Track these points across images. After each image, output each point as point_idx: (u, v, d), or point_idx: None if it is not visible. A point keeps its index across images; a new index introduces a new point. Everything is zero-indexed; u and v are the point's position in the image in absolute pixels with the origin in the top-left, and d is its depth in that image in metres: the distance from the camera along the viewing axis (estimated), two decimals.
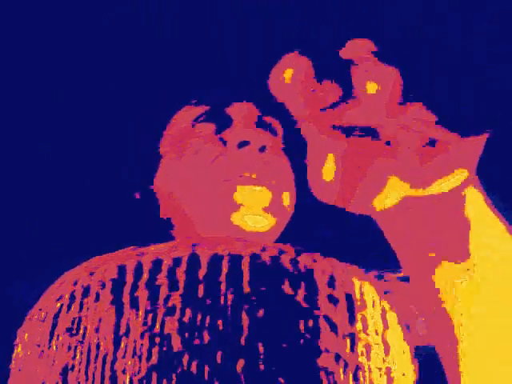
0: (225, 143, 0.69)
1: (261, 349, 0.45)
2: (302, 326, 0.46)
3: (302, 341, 0.46)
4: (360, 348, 0.47)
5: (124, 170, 0.73)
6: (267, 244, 0.53)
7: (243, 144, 0.68)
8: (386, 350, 0.49)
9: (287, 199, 0.70)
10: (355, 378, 0.46)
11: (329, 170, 0.44)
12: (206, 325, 0.46)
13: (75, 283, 0.51)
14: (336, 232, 0.90)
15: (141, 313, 0.47)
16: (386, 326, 0.50)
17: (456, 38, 0.76)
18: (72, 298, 0.50)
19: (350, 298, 0.49)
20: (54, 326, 0.49)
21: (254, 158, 0.67)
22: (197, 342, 0.45)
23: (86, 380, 0.45)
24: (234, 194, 0.65)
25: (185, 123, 0.72)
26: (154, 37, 0.77)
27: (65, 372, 0.46)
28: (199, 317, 0.46)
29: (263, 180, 0.67)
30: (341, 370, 0.45)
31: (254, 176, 0.67)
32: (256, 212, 0.65)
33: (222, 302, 0.47)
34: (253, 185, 0.66)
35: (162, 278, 0.48)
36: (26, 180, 0.82)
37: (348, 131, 0.46)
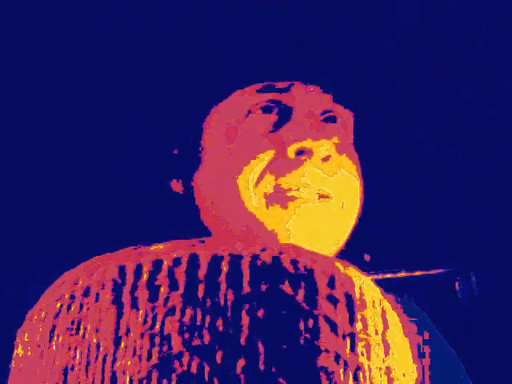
0: (280, 146, 0.64)
1: (261, 349, 0.45)
2: (302, 326, 0.46)
3: (301, 341, 0.46)
4: (360, 348, 0.47)
5: (124, 169, 0.73)
6: (267, 244, 0.53)
7: (305, 151, 0.63)
8: (386, 350, 0.49)
9: (354, 217, 0.68)
10: (355, 378, 0.46)
11: None
12: (206, 325, 0.45)
13: (75, 283, 0.51)
14: None
15: (141, 313, 0.47)
16: (385, 326, 0.50)
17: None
18: (72, 298, 0.50)
19: (349, 298, 0.49)
20: (54, 326, 0.49)
21: (318, 168, 0.63)
22: (197, 342, 0.45)
23: (86, 380, 0.45)
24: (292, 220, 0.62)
25: (236, 111, 0.67)
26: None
27: (65, 372, 0.46)
28: (199, 317, 0.46)
29: (334, 197, 0.64)
30: (341, 370, 0.45)
31: (316, 192, 0.63)
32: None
33: (221, 302, 0.47)
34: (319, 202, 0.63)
35: (162, 278, 0.48)
36: (25, 180, 0.82)
37: None
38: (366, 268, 0.56)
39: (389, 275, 1.01)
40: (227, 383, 0.43)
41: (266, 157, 0.64)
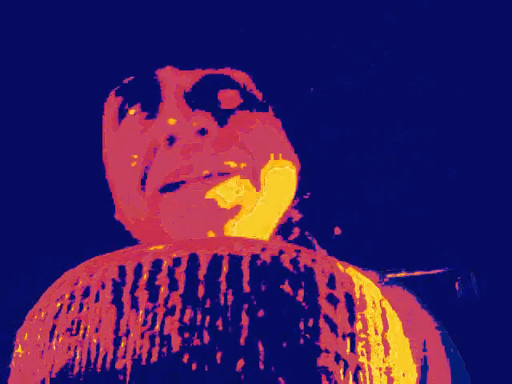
0: (153, 140, 0.60)
1: (261, 349, 0.45)
2: (302, 326, 0.46)
3: (301, 341, 0.46)
4: (360, 348, 0.47)
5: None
6: (267, 244, 0.53)
7: (172, 140, 0.59)
8: (386, 350, 0.49)
9: (283, 173, 0.62)
10: (355, 378, 0.46)
11: None
12: (206, 325, 0.45)
13: (75, 283, 0.51)
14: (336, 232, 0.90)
15: (141, 313, 0.47)
16: (386, 326, 0.50)
17: None
18: (72, 297, 0.50)
19: (349, 298, 0.49)
20: (54, 325, 0.49)
21: (192, 150, 0.58)
22: (197, 342, 0.45)
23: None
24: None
25: (112, 114, 0.63)
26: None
27: (65, 372, 0.46)
28: (199, 317, 0.46)
29: (220, 164, 0.59)
30: (341, 370, 0.45)
31: (205, 172, 0.58)
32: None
33: (222, 302, 0.47)
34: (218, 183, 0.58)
35: (161, 278, 0.48)
36: (25, 179, 0.82)
37: None
38: (365, 268, 0.56)
39: (389, 275, 1.01)
40: (227, 383, 0.43)
41: (146, 156, 0.60)
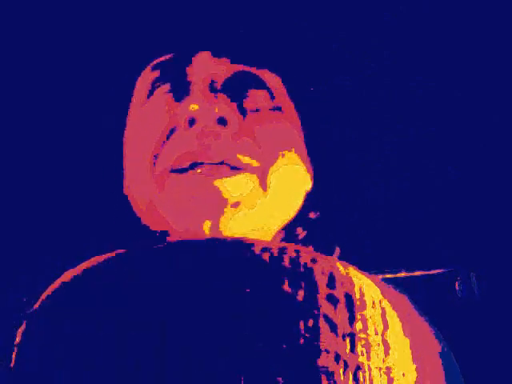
0: (175, 120, 0.60)
1: (261, 349, 0.45)
2: (301, 326, 0.46)
3: (301, 341, 0.46)
4: (360, 348, 0.47)
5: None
6: (267, 244, 0.53)
7: (192, 122, 0.59)
8: (386, 350, 0.49)
9: (292, 175, 0.62)
10: (355, 378, 0.46)
11: None
12: (206, 325, 0.45)
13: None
14: (336, 232, 0.90)
15: None
16: (385, 326, 0.50)
17: None
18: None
19: (349, 298, 0.49)
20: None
21: (208, 136, 0.58)
22: (197, 341, 0.45)
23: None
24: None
25: (143, 89, 0.64)
26: None
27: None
28: (199, 317, 0.46)
29: (236, 156, 0.58)
30: (341, 370, 0.45)
31: (217, 159, 0.58)
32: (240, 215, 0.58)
33: (222, 302, 0.47)
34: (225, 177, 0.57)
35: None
36: (25, 179, 0.82)
37: None
38: (365, 268, 0.56)
39: (389, 275, 1.01)
40: (227, 383, 0.43)
41: (161, 133, 0.60)
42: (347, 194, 0.90)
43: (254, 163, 0.60)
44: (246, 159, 0.59)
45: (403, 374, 0.50)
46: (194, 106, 0.59)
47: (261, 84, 0.64)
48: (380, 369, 0.48)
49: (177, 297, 0.47)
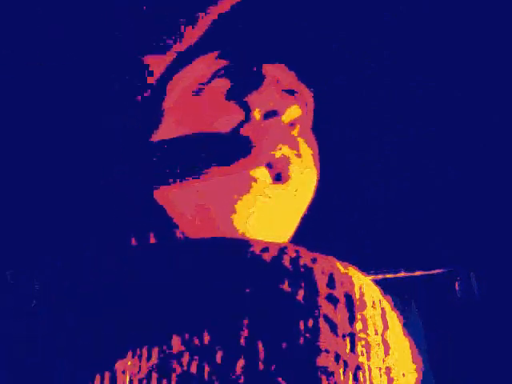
0: (248, 109, 0.60)
1: (261, 349, 0.45)
2: (301, 326, 0.46)
3: (301, 340, 0.46)
4: (360, 348, 0.47)
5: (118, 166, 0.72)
6: (267, 244, 0.53)
7: (272, 114, 0.60)
8: (386, 350, 0.49)
9: (308, 198, 0.64)
10: (355, 378, 0.46)
11: None
12: (206, 325, 0.45)
13: None
14: (336, 232, 0.90)
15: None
16: (385, 326, 0.50)
17: None
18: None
19: (349, 297, 0.49)
20: None
21: (285, 133, 0.59)
22: (197, 342, 0.45)
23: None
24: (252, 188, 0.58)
25: (201, 75, 0.63)
26: None
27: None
28: (199, 317, 0.46)
29: (290, 163, 0.59)
30: (341, 370, 0.45)
31: (283, 154, 0.58)
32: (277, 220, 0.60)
33: (222, 301, 0.47)
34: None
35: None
36: (24, 179, 0.82)
37: None
38: (365, 268, 0.56)
39: (389, 275, 1.01)
40: (227, 383, 0.43)
41: (232, 120, 0.59)
42: (347, 194, 0.90)
43: (294, 176, 0.61)
44: (292, 170, 0.61)
45: (403, 374, 0.50)
46: (271, 101, 0.60)
47: (305, 102, 0.67)
48: (380, 369, 0.48)
49: (177, 296, 0.47)
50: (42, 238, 0.76)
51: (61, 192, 0.74)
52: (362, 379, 0.46)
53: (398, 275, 1.02)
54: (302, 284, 0.48)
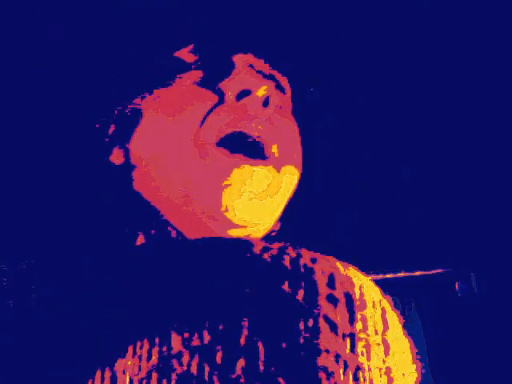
0: (221, 94, 0.61)
1: (261, 349, 0.45)
2: (302, 326, 0.46)
3: (301, 341, 0.46)
4: (360, 348, 0.47)
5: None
6: (267, 244, 0.53)
7: (244, 94, 0.61)
8: (386, 350, 0.49)
9: (293, 180, 0.64)
10: (355, 378, 0.46)
11: None
12: (206, 325, 0.45)
13: None
14: (336, 232, 0.90)
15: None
16: (385, 326, 0.50)
17: None
18: None
19: (349, 298, 0.49)
20: None
21: (258, 112, 0.60)
22: (197, 342, 0.45)
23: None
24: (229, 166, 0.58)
25: (172, 72, 0.64)
26: None
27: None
28: (199, 317, 0.46)
29: (270, 140, 0.60)
30: (341, 370, 0.45)
31: (257, 133, 0.59)
32: (259, 195, 0.59)
33: (222, 301, 0.47)
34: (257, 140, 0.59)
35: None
36: (25, 179, 0.82)
37: None
38: (365, 268, 0.56)
39: (389, 275, 1.01)
40: (227, 383, 0.43)
41: (206, 106, 0.61)
42: (347, 194, 0.90)
43: (276, 154, 0.61)
44: (274, 147, 0.61)
45: (403, 375, 0.50)
46: (243, 82, 0.61)
47: (279, 84, 0.67)
48: (380, 369, 0.48)
49: (177, 296, 0.47)
50: (41, 238, 0.76)
51: (57, 191, 0.74)
52: (361, 379, 0.46)
53: (398, 275, 1.02)
54: (302, 284, 0.48)
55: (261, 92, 0.61)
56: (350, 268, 0.53)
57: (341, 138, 0.83)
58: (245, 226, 0.61)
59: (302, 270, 0.50)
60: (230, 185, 0.58)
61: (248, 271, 0.49)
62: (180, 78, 0.64)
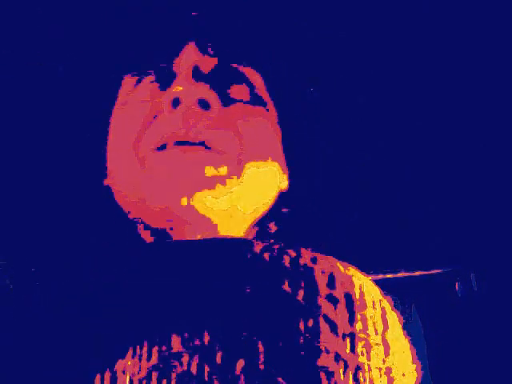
0: (159, 105, 0.61)
1: (261, 349, 0.45)
2: (301, 326, 0.46)
3: (301, 340, 0.46)
4: (360, 348, 0.47)
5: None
6: (267, 244, 0.53)
7: (177, 101, 0.60)
8: (386, 350, 0.49)
9: (257, 172, 0.62)
10: (355, 378, 0.46)
11: None
12: (206, 325, 0.46)
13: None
14: (336, 232, 0.90)
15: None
16: (385, 326, 0.50)
17: None
18: None
19: (349, 297, 0.49)
20: None
21: (191, 116, 0.59)
22: (197, 342, 0.45)
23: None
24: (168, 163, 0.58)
25: (128, 89, 0.65)
26: None
27: None
28: (199, 317, 0.46)
29: (215, 145, 0.59)
30: (341, 370, 0.45)
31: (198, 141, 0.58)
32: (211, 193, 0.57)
33: (222, 302, 0.47)
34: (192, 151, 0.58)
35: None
36: (25, 179, 0.82)
37: None
38: (365, 268, 0.56)
39: (389, 275, 1.01)
40: (227, 383, 0.43)
41: (145, 117, 0.61)
42: (347, 194, 0.90)
43: (231, 151, 0.61)
44: (224, 145, 0.60)
45: (403, 374, 0.50)
46: (178, 88, 0.61)
47: (243, 79, 0.65)
48: (380, 369, 0.48)
49: (177, 296, 0.47)
50: (40, 238, 0.76)
51: (57, 191, 0.74)
52: (361, 379, 0.46)
53: (398, 275, 1.02)
54: (302, 284, 0.48)
55: (197, 93, 0.61)
56: (350, 268, 0.53)
57: (341, 137, 0.82)
58: (211, 219, 0.59)
59: (302, 269, 0.50)
60: (176, 180, 0.58)
61: (248, 271, 0.49)
62: (129, 93, 0.65)
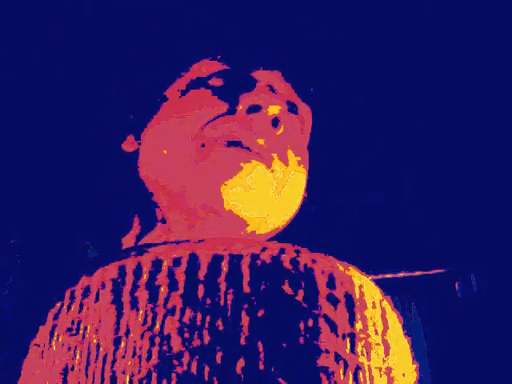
0: (233, 105, 0.63)
1: (261, 349, 0.45)
2: (301, 326, 0.46)
3: (301, 341, 0.46)
4: (360, 348, 0.47)
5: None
6: (267, 244, 0.53)
7: (254, 109, 0.62)
8: (386, 350, 0.49)
9: (296, 194, 0.65)
10: (355, 378, 0.46)
11: None
12: (206, 325, 0.45)
13: (75, 283, 0.51)
14: (336, 232, 0.90)
15: (141, 313, 0.47)
16: (385, 326, 0.50)
17: None
18: (72, 298, 0.50)
19: (349, 297, 0.49)
20: (54, 326, 0.49)
21: (264, 128, 0.61)
22: (197, 342, 0.45)
23: (86, 380, 0.45)
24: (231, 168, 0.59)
25: (196, 78, 0.66)
26: None
27: (65, 372, 0.46)
28: (199, 317, 0.46)
29: (269, 158, 0.61)
30: (341, 370, 0.45)
31: (257, 149, 0.60)
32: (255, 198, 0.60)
33: (222, 302, 0.47)
34: (256, 160, 0.60)
35: (161, 278, 0.48)
36: (25, 179, 0.82)
37: None
38: (365, 268, 0.56)
39: (389, 275, 1.01)
40: (227, 383, 0.43)
41: (214, 111, 0.62)
42: (347, 194, 0.90)
43: (282, 172, 0.63)
44: (276, 165, 0.62)
45: (403, 374, 0.50)
46: (256, 98, 0.62)
47: (296, 108, 0.69)
48: (380, 369, 0.48)
49: (177, 296, 0.47)
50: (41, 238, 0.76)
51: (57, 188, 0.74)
52: (361, 379, 0.46)
53: (398, 275, 1.02)
54: (302, 284, 0.48)
55: (271, 111, 0.62)
56: (350, 268, 0.53)
57: (341, 137, 0.83)
58: (246, 222, 0.61)
59: (302, 269, 0.50)
60: (228, 179, 0.59)
61: (248, 271, 0.49)
62: (198, 83, 0.66)
